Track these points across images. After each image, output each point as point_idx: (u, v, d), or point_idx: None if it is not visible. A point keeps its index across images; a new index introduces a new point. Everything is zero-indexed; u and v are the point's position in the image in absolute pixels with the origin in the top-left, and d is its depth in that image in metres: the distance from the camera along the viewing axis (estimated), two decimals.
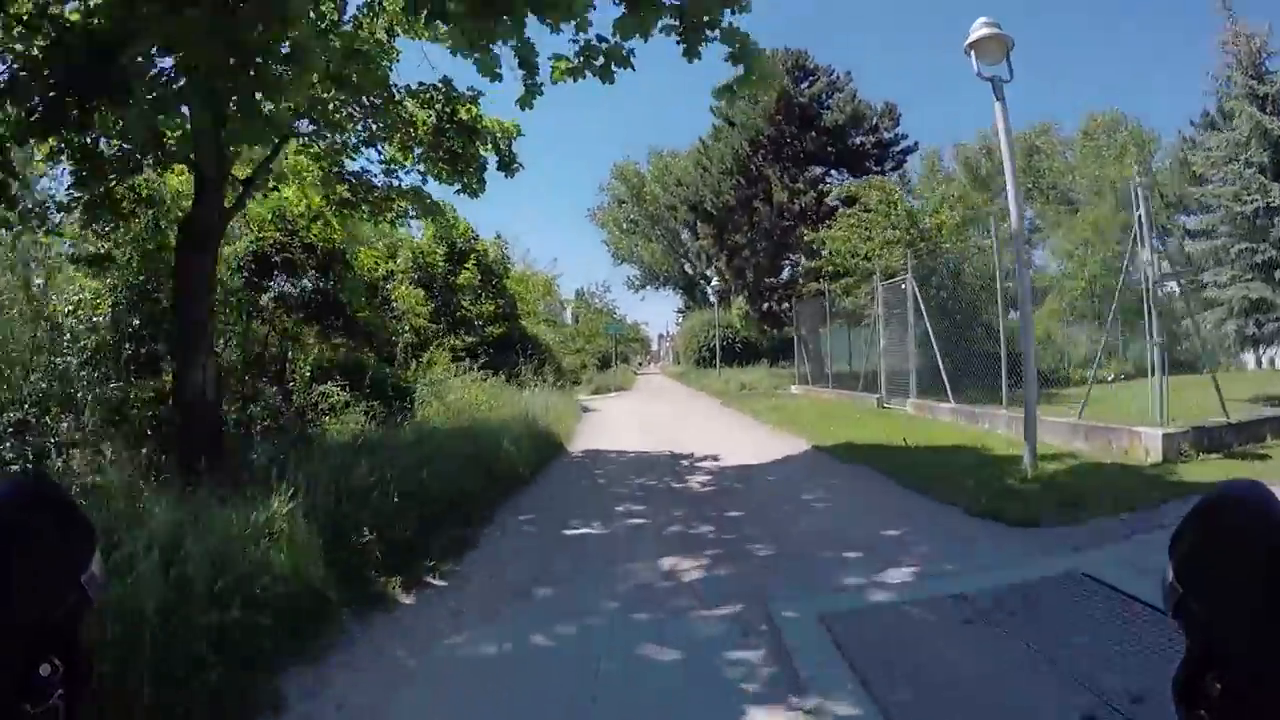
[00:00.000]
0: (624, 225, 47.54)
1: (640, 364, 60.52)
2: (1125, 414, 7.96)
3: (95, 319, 7.13)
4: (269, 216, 10.75)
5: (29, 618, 0.59)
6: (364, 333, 13.46)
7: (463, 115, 8.97)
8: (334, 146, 8.98)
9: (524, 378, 16.16)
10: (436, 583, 4.15)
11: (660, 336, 67.85)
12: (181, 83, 4.61)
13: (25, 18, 4.93)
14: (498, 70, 5.62)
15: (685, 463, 8.22)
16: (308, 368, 9.93)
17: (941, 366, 11.99)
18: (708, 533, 5.03)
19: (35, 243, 7.62)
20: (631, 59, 5.56)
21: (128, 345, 6.95)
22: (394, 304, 15.50)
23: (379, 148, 9.30)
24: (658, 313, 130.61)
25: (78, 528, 0.64)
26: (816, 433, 10.06)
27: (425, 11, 5.24)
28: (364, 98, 8.04)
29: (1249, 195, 20.60)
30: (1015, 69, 6.70)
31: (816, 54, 23.19)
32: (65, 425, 5.39)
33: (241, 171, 7.52)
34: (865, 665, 2.81)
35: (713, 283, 28.21)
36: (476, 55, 5.41)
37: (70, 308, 7.12)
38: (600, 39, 5.51)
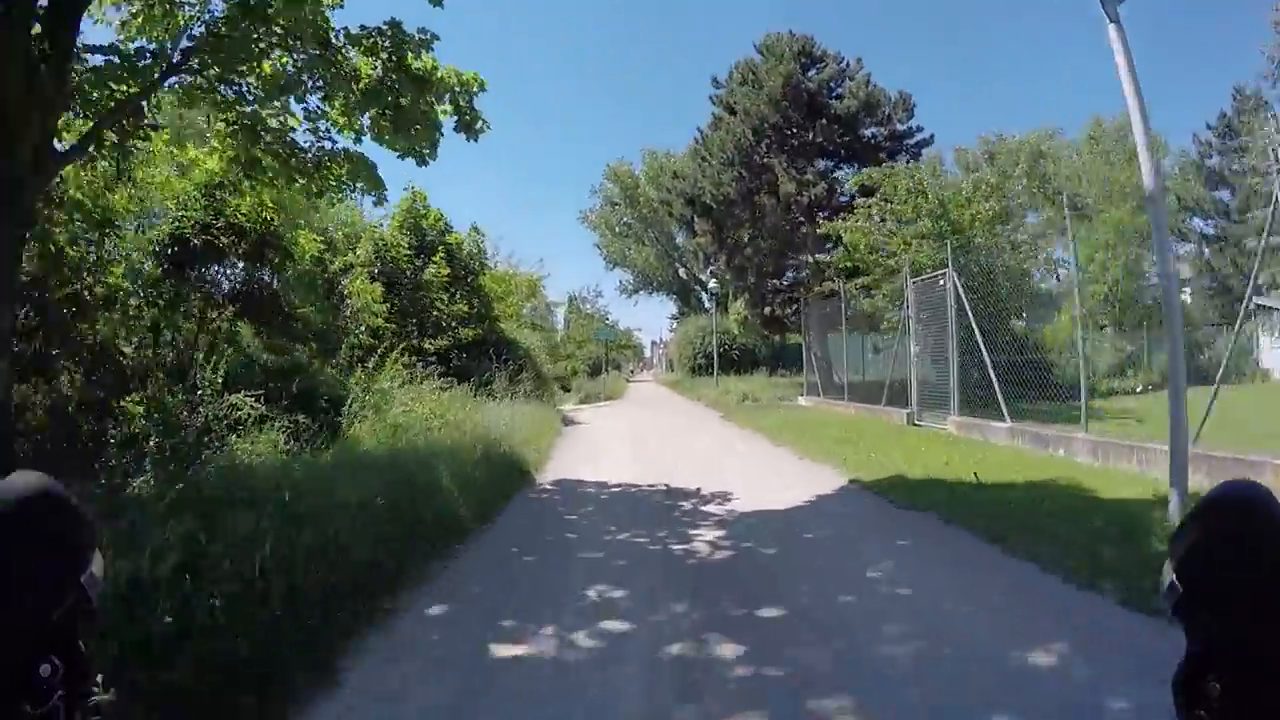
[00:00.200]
0: (617, 228, 45.92)
1: (632, 371, 58.61)
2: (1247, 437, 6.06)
3: None
4: (194, 193, 8.68)
5: (29, 618, 0.58)
6: (311, 333, 11.48)
7: (413, 65, 6.99)
8: (244, 96, 6.98)
9: (498, 387, 14.11)
10: None
11: (654, 343, 66.09)
12: None
13: None
14: None
15: (687, 505, 6.15)
16: (220, 372, 7.74)
17: (994, 379, 10.00)
18: (735, 660, 2.96)
19: None
20: None
21: None
22: (348, 300, 13.47)
23: (309, 101, 7.26)
24: (651, 320, 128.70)
25: (78, 527, 0.64)
26: (848, 459, 8.03)
27: None
28: (292, 41, 6.13)
29: None
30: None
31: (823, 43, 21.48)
32: None
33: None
34: None
35: (710, 285, 26.22)
36: None
37: None
38: None
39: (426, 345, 16.39)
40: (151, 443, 5.88)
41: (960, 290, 11.05)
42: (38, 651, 0.59)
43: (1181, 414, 4.81)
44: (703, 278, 45.39)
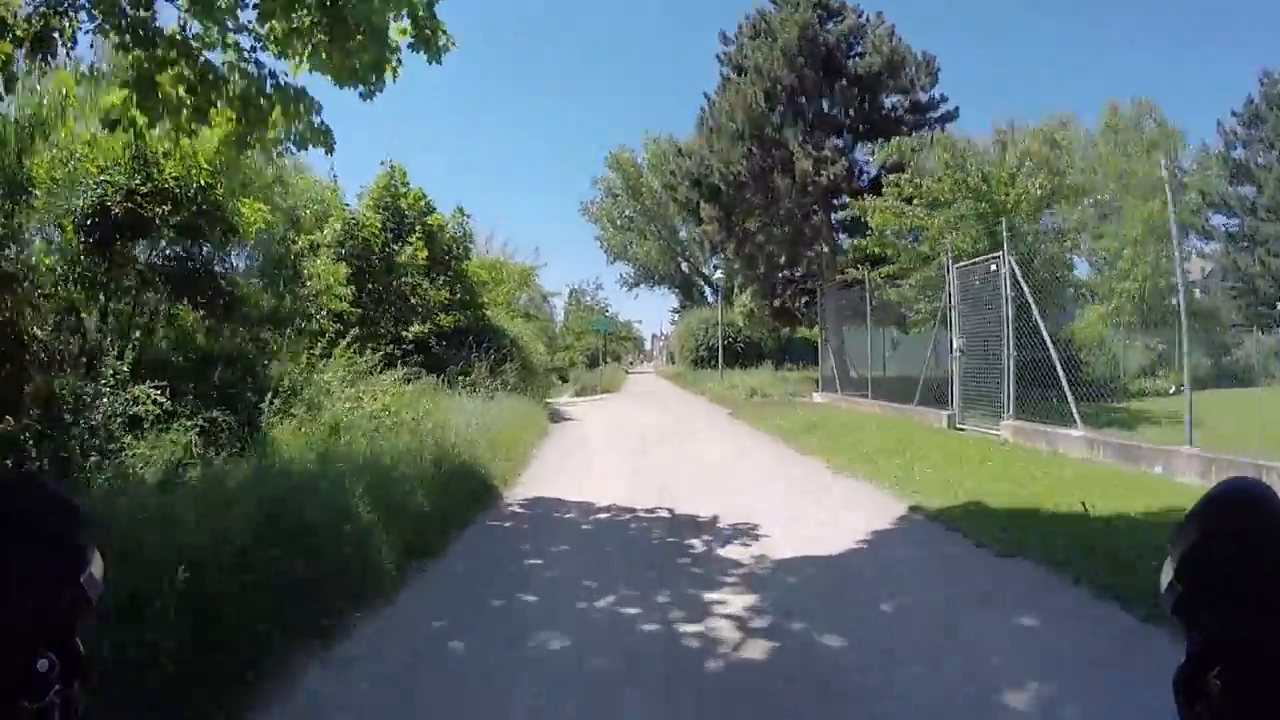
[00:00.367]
0: (618, 221, 44.52)
1: (631, 363, 57.09)
2: None
3: None
4: (123, 156, 7.15)
5: (28, 616, 0.58)
6: (263, 317, 10.01)
7: None
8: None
9: (477, 378, 12.48)
10: None
11: (654, 336, 64.49)
12: None
13: None
14: None
15: (698, 543, 4.49)
16: (128, 359, 6.22)
17: (1064, 378, 8.39)
18: None
19: None
20: None
21: None
22: (308, 282, 11.85)
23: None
24: (651, 313, 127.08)
25: (78, 527, 0.64)
26: (898, 475, 6.39)
27: None
28: None
29: None
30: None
31: None
32: None
33: None
34: None
35: (715, 276, 24.52)
36: None
37: None
38: None
39: (404, 333, 14.85)
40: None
41: (1020, 277, 9.41)
42: (35, 649, 0.57)
43: None
44: (705, 271, 43.92)
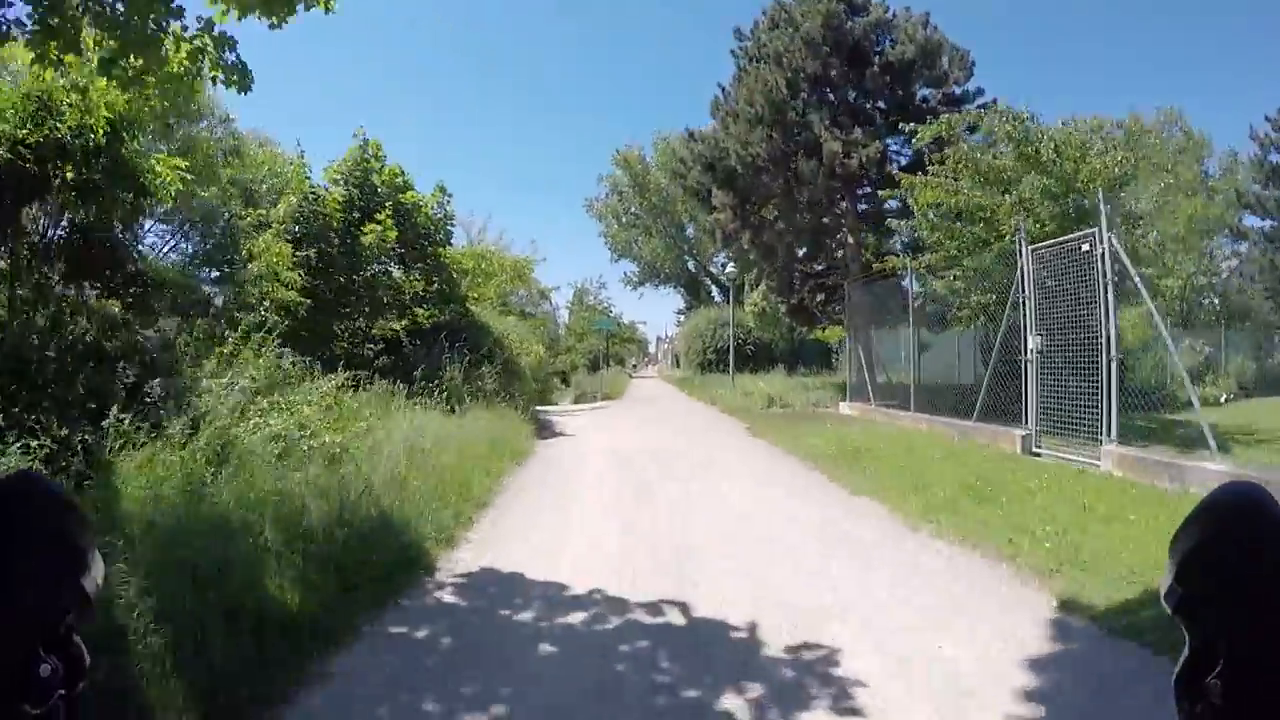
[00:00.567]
0: (623, 218, 42.72)
1: (635, 366, 55.11)
2: None
3: None
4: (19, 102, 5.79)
5: (30, 617, 0.57)
6: (184, 304, 8.27)
7: None
8: None
9: (450, 385, 10.57)
10: None
11: (658, 339, 62.47)
12: None
13: None
14: None
15: (736, 704, 2.55)
16: None
17: (1191, 390, 6.45)
18: None
19: None
20: None
21: None
22: (249, 265, 10.10)
23: None
24: (656, 315, 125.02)
25: (77, 527, 0.62)
26: (1009, 538, 4.41)
27: None
28: None
29: None
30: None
31: None
32: None
33: None
34: None
35: (728, 269, 22.48)
36: None
37: None
38: None
39: (374, 330, 12.89)
40: None
41: (1126, 260, 7.43)
42: (37, 652, 0.56)
43: None
44: (713, 269, 42.01)
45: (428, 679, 2.72)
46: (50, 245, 6.79)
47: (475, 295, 16.14)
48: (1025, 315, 8.57)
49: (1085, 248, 7.77)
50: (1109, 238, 7.51)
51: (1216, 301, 25.80)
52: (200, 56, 4.41)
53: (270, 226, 10.89)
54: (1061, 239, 8.35)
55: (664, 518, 5.43)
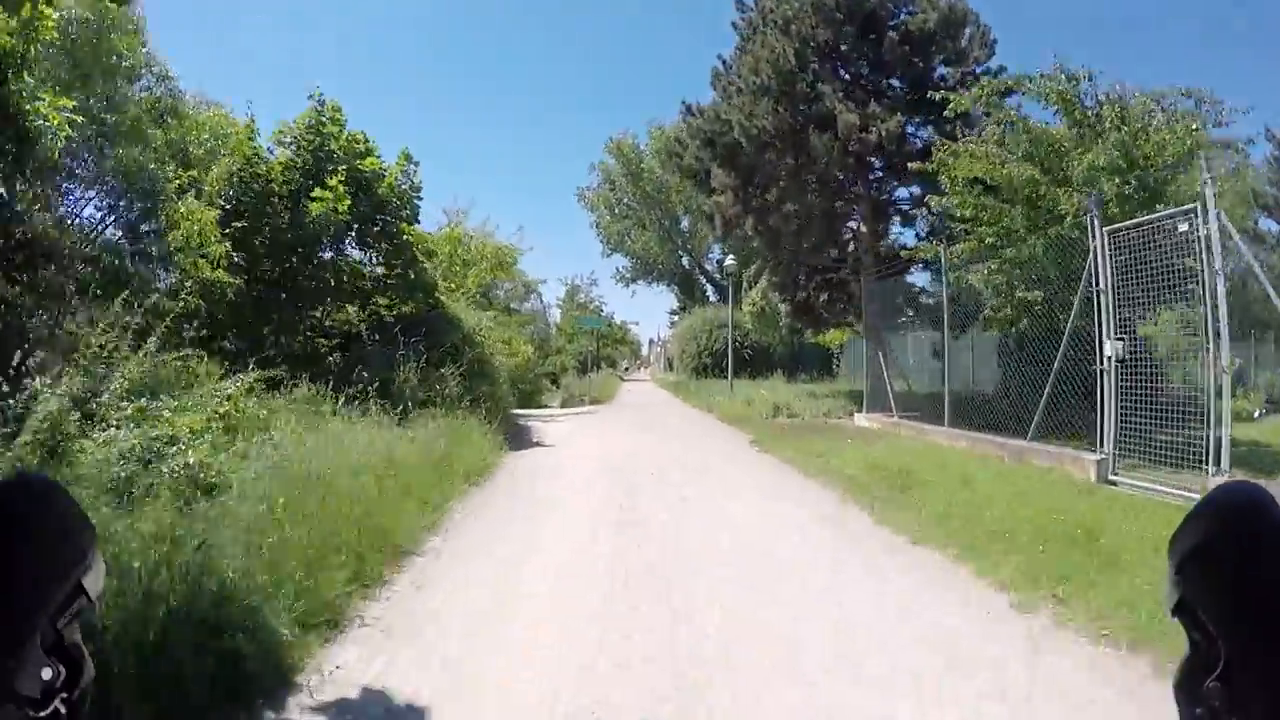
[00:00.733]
0: (616, 209, 41.00)
1: (627, 368, 53.46)
2: None
3: None
4: None
5: (30, 619, 0.55)
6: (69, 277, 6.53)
7: None
8: None
9: (401, 390, 8.93)
10: None
11: (651, 341, 60.88)
12: None
13: None
14: None
15: None
16: None
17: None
18: None
19: None
20: None
21: None
22: (168, 236, 8.48)
23: None
24: (648, 316, 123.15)
25: (77, 527, 0.60)
26: (1139, 621, 2.84)
27: None
28: None
29: None
30: None
31: None
32: None
33: None
34: None
35: (728, 260, 20.83)
36: None
37: None
38: None
39: (328, 321, 11.20)
40: None
41: (1241, 244, 5.93)
42: (38, 654, 0.55)
43: None
44: (708, 266, 40.49)
45: None
46: None
47: (451, 286, 14.47)
48: (1101, 313, 7.02)
49: (1183, 228, 6.24)
50: (1216, 214, 5.99)
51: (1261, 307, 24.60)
52: None
53: (199, 190, 9.22)
54: (1148, 218, 6.81)
55: (656, 571, 3.83)
